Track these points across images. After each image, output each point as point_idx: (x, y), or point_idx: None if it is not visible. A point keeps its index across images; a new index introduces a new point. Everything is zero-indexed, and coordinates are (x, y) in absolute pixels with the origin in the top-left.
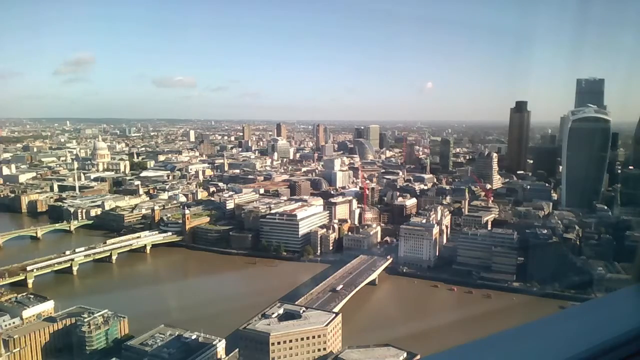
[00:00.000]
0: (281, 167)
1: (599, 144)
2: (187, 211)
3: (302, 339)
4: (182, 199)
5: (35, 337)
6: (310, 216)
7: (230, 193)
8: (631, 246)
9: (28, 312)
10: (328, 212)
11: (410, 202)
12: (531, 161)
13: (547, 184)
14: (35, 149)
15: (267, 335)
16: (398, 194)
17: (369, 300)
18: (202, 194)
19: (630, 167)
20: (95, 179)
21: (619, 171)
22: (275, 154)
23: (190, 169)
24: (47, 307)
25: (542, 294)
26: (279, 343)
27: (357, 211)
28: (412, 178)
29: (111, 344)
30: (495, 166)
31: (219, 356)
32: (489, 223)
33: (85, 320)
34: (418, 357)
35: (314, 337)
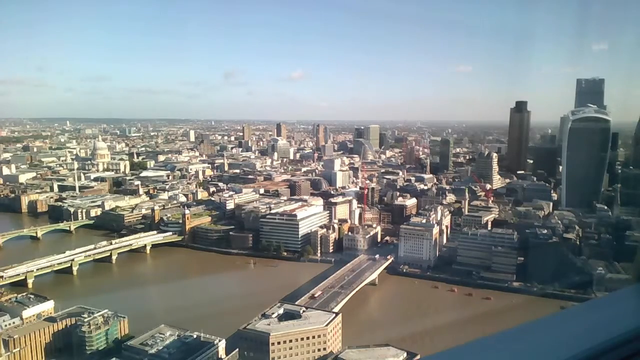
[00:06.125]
0: (281, 167)
1: (599, 144)
2: (187, 211)
3: (302, 339)
4: (182, 199)
5: (35, 337)
6: (310, 216)
7: (230, 193)
8: (631, 246)
9: (28, 312)
10: (328, 212)
11: (410, 202)
12: (531, 161)
13: (547, 184)
14: (35, 149)
15: (267, 335)
16: (398, 194)
17: (369, 300)
18: (202, 194)
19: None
20: (95, 179)
21: (619, 171)
22: (275, 154)
23: (190, 169)
24: (47, 307)
25: (543, 294)
26: (279, 343)
27: (357, 211)
28: (412, 178)
29: (111, 344)
30: (495, 166)
31: (219, 356)
32: (489, 223)
33: (86, 320)
34: (418, 357)
35: (314, 337)
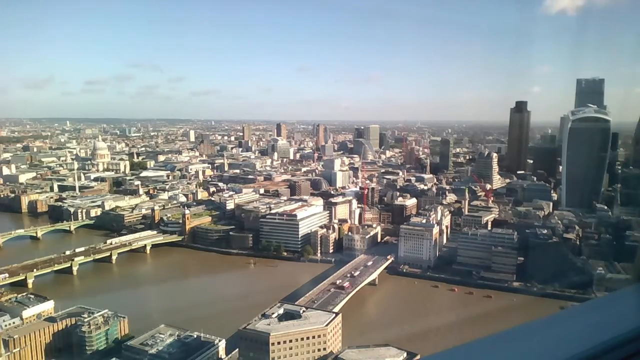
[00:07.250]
0: (281, 167)
1: (599, 144)
2: (187, 211)
3: (302, 339)
4: (182, 199)
5: (35, 337)
6: (310, 216)
7: (231, 193)
8: (631, 246)
9: (28, 312)
10: (328, 212)
11: (410, 202)
12: (531, 161)
13: (547, 184)
14: (35, 149)
15: (267, 335)
16: (398, 194)
17: (369, 300)
18: (202, 194)
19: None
20: (95, 179)
21: (619, 171)
22: (275, 154)
23: (190, 169)
24: (47, 307)
25: (542, 294)
26: (279, 343)
27: (357, 211)
28: (412, 178)
29: (111, 344)
30: (495, 166)
31: (219, 356)
32: (489, 223)
33: (86, 320)
34: (418, 357)
35: (314, 337)
